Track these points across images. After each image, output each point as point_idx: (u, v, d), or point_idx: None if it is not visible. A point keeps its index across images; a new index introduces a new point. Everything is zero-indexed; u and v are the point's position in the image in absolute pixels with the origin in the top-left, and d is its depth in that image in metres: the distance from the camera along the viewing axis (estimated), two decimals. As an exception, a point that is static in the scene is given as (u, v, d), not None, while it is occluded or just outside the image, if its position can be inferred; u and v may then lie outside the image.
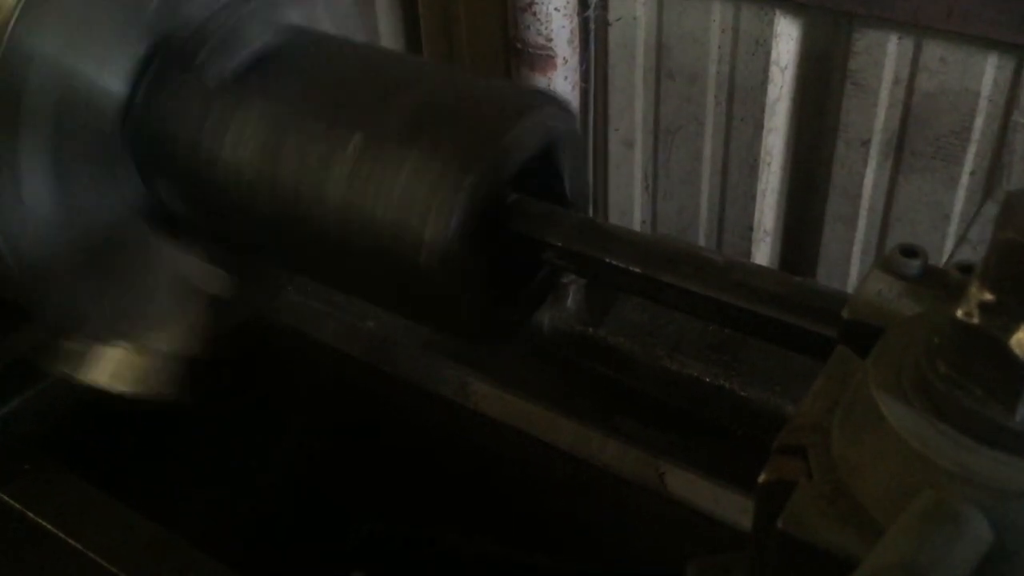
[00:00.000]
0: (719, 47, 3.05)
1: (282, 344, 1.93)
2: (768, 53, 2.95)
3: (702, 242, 3.47)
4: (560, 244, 1.05)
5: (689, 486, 1.58)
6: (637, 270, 0.99)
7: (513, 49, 3.15)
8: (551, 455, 1.69)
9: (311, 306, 1.97)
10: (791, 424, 0.75)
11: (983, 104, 2.70)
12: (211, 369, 1.66)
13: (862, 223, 3.10)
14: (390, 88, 1.21)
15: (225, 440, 2.02)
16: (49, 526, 1.50)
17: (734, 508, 1.55)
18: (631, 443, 1.64)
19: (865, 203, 3.05)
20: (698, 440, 1.64)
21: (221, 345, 1.51)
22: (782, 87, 3.02)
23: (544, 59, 3.11)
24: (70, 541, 1.48)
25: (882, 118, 2.88)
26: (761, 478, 0.72)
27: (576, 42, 3.11)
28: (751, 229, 3.31)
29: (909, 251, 0.86)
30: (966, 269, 0.83)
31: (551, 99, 1.25)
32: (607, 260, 1.01)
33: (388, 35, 3.54)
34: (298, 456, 2.01)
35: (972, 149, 2.78)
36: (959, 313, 0.63)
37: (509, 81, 2.69)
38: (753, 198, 3.24)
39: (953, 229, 2.95)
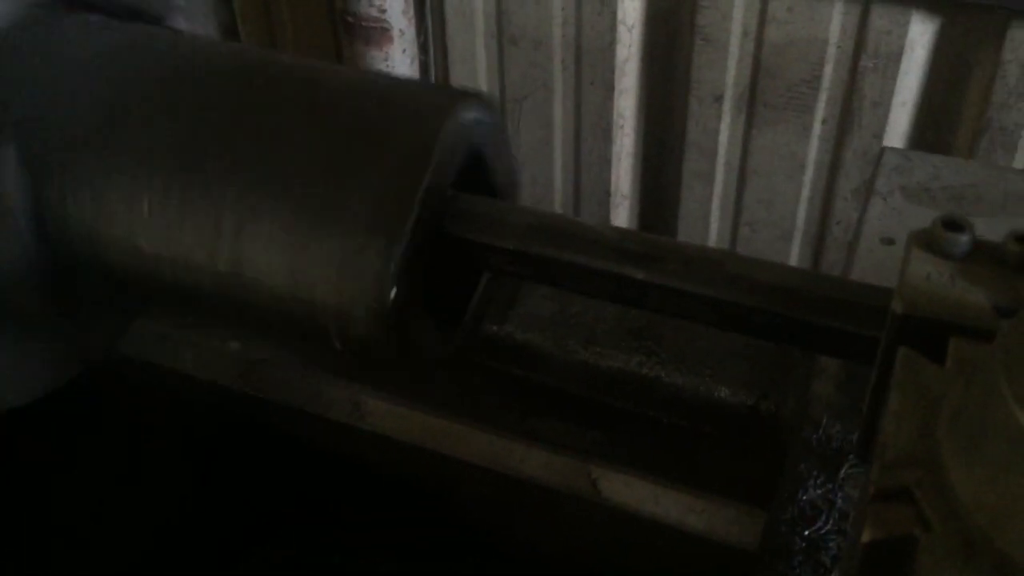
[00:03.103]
0: (562, 9, 2.92)
1: (137, 381, 1.65)
2: (614, 12, 2.84)
3: (558, 211, 3.36)
4: (511, 247, 0.87)
5: (625, 489, 1.45)
6: (613, 270, 0.83)
7: (343, 23, 2.90)
8: (467, 472, 1.51)
9: (161, 332, 1.70)
10: (882, 459, 0.60)
11: (831, 51, 2.70)
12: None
13: (719, 179, 3.06)
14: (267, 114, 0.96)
15: (91, 489, 1.74)
16: None
17: (677, 507, 1.42)
18: (556, 450, 1.48)
19: (721, 159, 3.02)
20: (627, 437, 1.50)
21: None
22: (631, 46, 2.92)
23: (379, 32, 2.89)
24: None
25: (733, 72, 2.84)
26: (866, 537, 0.57)
27: (411, 12, 2.91)
28: (608, 194, 3.22)
29: (953, 224, 0.73)
30: (1026, 241, 0.71)
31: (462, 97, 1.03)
32: (574, 261, 0.84)
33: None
34: (171, 500, 1.75)
35: (823, 97, 2.78)
36: None
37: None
38: (608, 162, 3.14)
39: (808, 178, 2.95)
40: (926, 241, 0.73)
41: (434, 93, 0.98)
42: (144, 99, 1.01)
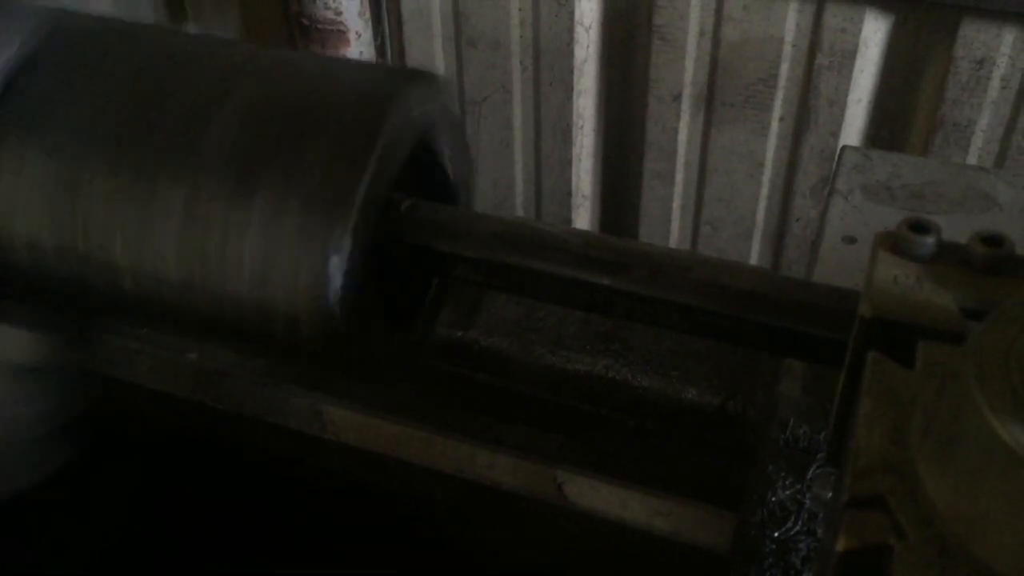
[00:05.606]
0: (520, 10, 2.91)
1: (91, 394, 1.61)
2: (572, 13, 2.84)
3: (520, 212, 3.35)
4: (475, 256, 0.85)
5: (592, 493, 1.44)
6: (579, 277, 0.81)
7: (299, 26, 2.87)
8: (432, 480, 1.49)
9: (115, 343, 1.66)
10: (854, 467, 0.59)
11: (787, 50, 2.72)
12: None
13: (679, 178, 3.07)
14: (206, 100, 0.91)
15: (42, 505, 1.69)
16: None
17: (644, 510, 1.41)
18: (522, 455, 1.47)
19: (681, 158, 3.02)
20: (593, 440, 1.49)
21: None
22: (589, 47, 2.92)
23: (335, 35, 2.86)
24: None
25: (691, 71, 2.85)
26: (840, 545, 0.56)
27: (368, 14, 2.88)
28: (570, 195, 3.22)
29: (919, 226, 0.72)
30: (991, 241, 0.71)
31: (413, 78, 1.00)
32: (540, 269, 0.82)
33: (148, 15, 3.14)
34: (127, 514, 1.71)
35: (780, 95, 2.80)
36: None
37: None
38: (569, 163, 3.14)
39: (767, 176, 2.97)
40: (892, 243, 0.73)
41: (375, 83, 0.93)
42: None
